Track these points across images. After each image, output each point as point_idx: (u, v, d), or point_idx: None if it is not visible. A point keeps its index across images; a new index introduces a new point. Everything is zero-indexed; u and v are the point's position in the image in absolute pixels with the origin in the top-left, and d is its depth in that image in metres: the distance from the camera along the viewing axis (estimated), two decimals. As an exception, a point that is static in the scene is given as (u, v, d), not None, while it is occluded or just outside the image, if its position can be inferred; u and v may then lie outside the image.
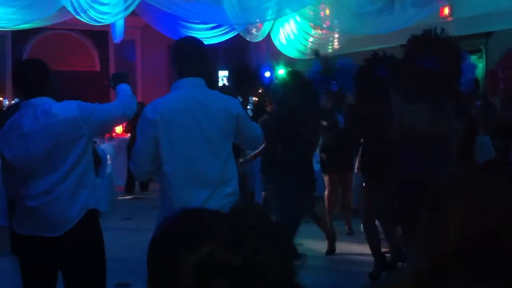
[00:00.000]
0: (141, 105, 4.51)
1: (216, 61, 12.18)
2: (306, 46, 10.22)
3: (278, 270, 0.99)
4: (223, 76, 11.86)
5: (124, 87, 3.28)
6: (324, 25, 8.50)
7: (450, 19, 8.43)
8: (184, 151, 2.80)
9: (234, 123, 2.92)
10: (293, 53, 10.83)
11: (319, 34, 9.62)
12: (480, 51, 8.42)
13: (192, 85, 2.89)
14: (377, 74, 4.27)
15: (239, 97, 9.01)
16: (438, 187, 1.19)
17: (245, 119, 3.02)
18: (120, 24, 9.51)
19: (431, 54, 3.35)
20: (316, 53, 6.39)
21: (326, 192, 6.28)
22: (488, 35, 8.24)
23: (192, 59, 2.90)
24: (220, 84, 10.18)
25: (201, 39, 3.13)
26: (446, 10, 8.51)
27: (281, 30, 10.51)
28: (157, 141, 2.78)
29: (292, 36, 10.35)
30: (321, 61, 6.21)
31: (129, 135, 9.58)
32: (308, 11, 8.00)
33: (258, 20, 8.65)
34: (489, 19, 7.92)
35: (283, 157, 4.93)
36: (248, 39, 10.18)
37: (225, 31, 9.95)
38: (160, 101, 2.92)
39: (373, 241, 4.94)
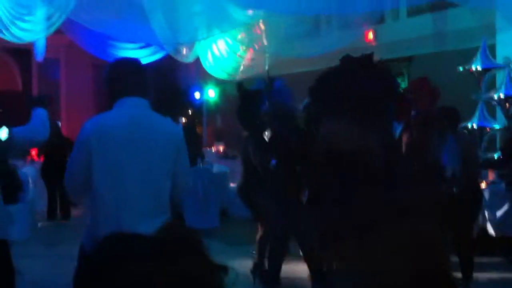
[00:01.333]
0: (68, 140, 4.37)
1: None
2: (235, 68, 10.28)
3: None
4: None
5: (39, 112, 3.16)
6: (256, 47, 8.58)
7: (374, 43, 8.75)
8: (116, 174, 2.64)
9: (176, 148, 2.77)
10: (221, 75, 10.85)
11: (250, 55, 9.71)
12: (402, 74, 8.78)
13: (133, 105, 2.75)
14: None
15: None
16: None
17: (185, 148, 2.86)
18: (41, 41, 9.20)
19: (365, 75, 3.38)
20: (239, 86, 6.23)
21: None
22: (410, 59, 8.61)
23: (134, 79, 2.79)
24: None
25: (138, 60, 3.06)
26: (371, 35, 8.83)
27: (208, 51, 10.51)
28: (89, 161, 2.63)
29: (220, 57, 10.37)
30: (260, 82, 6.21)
31: (42, 159, 9.21)
32: (239, 32, 8.07)
33: (187, 40, 8.61)
34: (410, 44, 8.28)
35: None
36: (178, 59, 10.11)
37: (154, 51, 9.84)
38: (97, 119, 2.82)
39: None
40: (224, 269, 1.02)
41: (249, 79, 9.38)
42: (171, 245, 0.99)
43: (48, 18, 8.00)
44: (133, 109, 2.74)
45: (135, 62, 2.96)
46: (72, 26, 8.72)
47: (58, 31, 8.62)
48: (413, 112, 4.48)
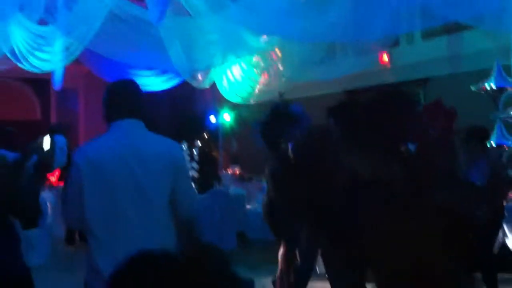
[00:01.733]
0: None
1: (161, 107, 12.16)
2: (249, 92, 10.36)
3: None
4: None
5: (58, 139, 3.20)
6: (271, 71, 8.67)
7: (389, 66, 8.79)
8: (110, 203, 2.51)
9: (173, 171, 2.61)
10: (236, 99, 10.94)
11: (264, 80, 9.79)
12: (418, 96, 8.78)
13: (128, 127, 2.65)
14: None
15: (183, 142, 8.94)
16: None
17: (185, 169, 2.73)
18: (59, 71, 9.36)
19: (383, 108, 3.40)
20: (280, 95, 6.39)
21: None
22: (425, 81, 8.62)
23: (130, 100, 2.71)
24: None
25: (134, 80, 2.97)
26: (385, 58, 8.87)
27: (224, 76, 10.62)
28: (81, 188, 2.52)
29: (235, 81, 10.48)
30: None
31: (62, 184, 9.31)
32: (254, 57, 8.17)
33: (203, 67, 8.72)
34: (425, 67, 8.30)
35: None
36: (194, 85, 10.22)
37: (171, 77, 9.97)
38: (90, 145, 2.75)
39: None
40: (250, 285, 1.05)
41: (264, 104, 9.44)
42: (196, 264, 1.01)
43: (67, 48, 8.15)
44: (126, 132, 2.65)
45: (130, 83, 2.86)
46: (89, 55, 8.87)
47: (75, 61, 8.77)
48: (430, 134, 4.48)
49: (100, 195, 2.52)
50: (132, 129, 2.66)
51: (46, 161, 3.05)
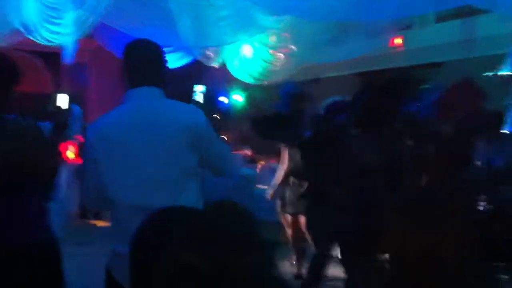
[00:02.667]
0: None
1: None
2: (261, 72, 10.31)
3: (249, 275, 0.98)
4: (200, 91, 11.75)
5: (76, 108, 3.17)
6: (283, 51, 8.61)
7: (402, 49, 8.69)
8: (128, 175, 2.42)
9: (195, 138, 2.46)
10: (247, 79, 10.90)
11: (275, 60, 9.72)
12: (431, 80, 8.68)
13: (143, 96, 2.50)
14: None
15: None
16: None
17: (208, 133, 2.55)
18: (70, 44, 9.34)
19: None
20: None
21: None
22: (438, 65, 8.52)
23: (145, 64, 2.52)
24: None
25: (157, 43, 2.65)
26: (398, 40, 8.77)
27: (235, 56, 10.56)
28: (97, 165, 2.43)
29: (247, 61, 10.42)
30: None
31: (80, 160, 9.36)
32: (267, 36, 8.10)
33: (214, 44, 8.67)
34: (438, 50, 8.20)
35: None
36: (205, 63, 10.18)
37: (182, 55, 9.92)
38: (102, 118, 2.60)
39: None
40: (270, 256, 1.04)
41: (276, 85, 9.39)
42: (223, 221, 1.00)
43: (78, 21, 8.12)
44: (141, 101, 2.49)
45: (146, 44, 2.61)
46: (100, 30, 8.85)
47: (86, 36, 8.74)
48: (458, 115, 4.41)
49: (119, 170, 2.42)
50: (147, 98, 2.49)
51: (64, 122, 3.01)
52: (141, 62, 2.55)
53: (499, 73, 6.82)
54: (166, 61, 2.63)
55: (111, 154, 2.44)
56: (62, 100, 6.69)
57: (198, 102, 7.52)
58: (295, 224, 6.20)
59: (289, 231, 6.37)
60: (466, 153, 3.90)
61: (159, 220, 1.12)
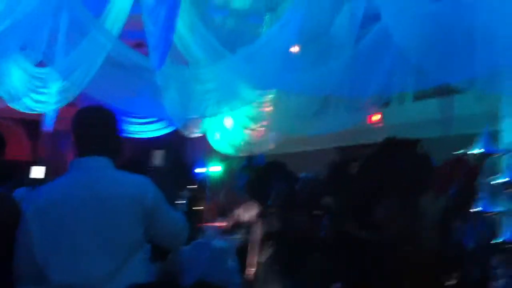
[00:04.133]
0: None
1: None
2: (241, 144, 10.42)
3: None
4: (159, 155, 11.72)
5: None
6: (264, 123, 8.77)
7: (380, 125, 8.93)
8: (65, 253, 2.27)
9: (140, 213, 2.36)
10: (227, 150, 10.99)
11: (256, 132, 9.87)
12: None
13: (88, 167, 2.38)
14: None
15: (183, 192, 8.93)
16: None
17: (159, 207, 2.45)
18: (51, 112, 9.37)
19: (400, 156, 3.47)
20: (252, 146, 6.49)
21: None
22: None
23: (93, 132, 2.40)
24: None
25: (110, 110, 2.56)
26: (376, 117, 9.03)
27: (216, 127, 10.69)
28: (30, 238, 2.27)
29: (228, 132, 10.55)
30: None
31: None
32: (249, 109, 8.27)
33: (197, 116, 8.80)
34: (415, 128, 8.44)
35: None
36: (186, 134, 10.28)
37: (163, 125, 10.02)
38: (42, 189, 2.46)
39: None
40: None
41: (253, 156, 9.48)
42: None
43: (63, 91, 8.20)
44: (84, 172, 2.36)
45: (97, 110, 2.48)
46: (83, 98, 8.91)
47: (69, 103, 8.79)
48: (452, 190, 4.52)
49: (54, 245, 2.27)
50: (92, 169, 2.38)
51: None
52: (89, 129, 2.45)
53: (470, 152, 7.04)
54: (119, 129, 2.53)
55: (45, 228, 2.28)
56: (38, 171, 6.59)
57: (158, 167, 7.51)
58: None
59: None
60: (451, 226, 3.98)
61: None
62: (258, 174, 5.50)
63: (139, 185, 2.44)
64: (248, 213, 5.91)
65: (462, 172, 4.20)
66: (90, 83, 7.55)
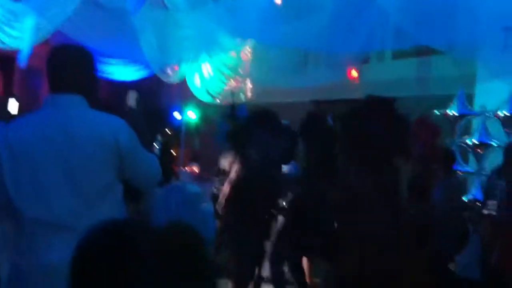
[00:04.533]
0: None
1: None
2: (220, 92, 10.37)
3: None
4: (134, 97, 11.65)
5: None
6: (242, 72, 8.71)
7: (357, 81, 8.94)
8: (36, 189, 2.23)
9: (113, 153, 2.31)
10: (206, 98, 10.93)
11: (234, 81, 9.83)
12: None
13: (60, 104, 2.31)
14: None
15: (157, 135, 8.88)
16: None
17: (133, 148, 2.40)
18: (26, 48, 9.14)
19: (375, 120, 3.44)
20: (232, 95, 6.45)
21: None
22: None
23: (68, 70, 2.33)
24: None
25: (86, 48, 2.47)
26: (354, 73, 9.03)
27: (196, 73, 10.59)
28: (2, 173, 2.22)
29: (207, 80, 10.47)
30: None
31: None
32: (227, 57, 8.19)
33: (174, 61, 8.68)
34: (393, 86, 8.49)
35: None
36: (163, 79, 10.16)
37: (140, 68, 9.87)
38: (12, 125, 2.39)
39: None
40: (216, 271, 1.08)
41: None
42: (168, 237, 1.02)
43: (37, 28, 7.97)
44: (60, 109, 2.31)
45: (73, 49, 2.43)
46: (59, 37, 8.70)
47: (44, 41, 8.58)
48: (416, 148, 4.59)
49: (25, 181, 2.24)
50: (67, 106, 2.32)
51: None
52: (62, 67, 2.37)
53: (447, 112, 7.15)
54: (95, 68, 2.45)
55: (17, 163, 2.24)
56: (13, 106, 6.43)
57: (132, 109, 7.44)
58: None
59: None
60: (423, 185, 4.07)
61: (107, 235, 1.09)
62: (241, 124, 5.43)
63: (112, 125, 2.37)
64: (227, 162, 5.87)
65: (425, 134, 4.24)
66: (67, 22, 7.36)
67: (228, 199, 4.94)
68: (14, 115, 8.84)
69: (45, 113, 2.35)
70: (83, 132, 2.28)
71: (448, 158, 5.73)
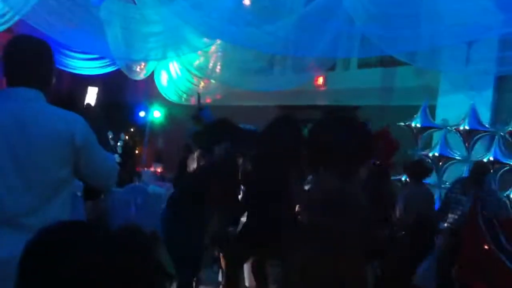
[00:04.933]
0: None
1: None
2: (186, 92, 10.30)
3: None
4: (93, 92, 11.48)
5: None
6: (207, 74, 8.66)
7: (323, 88, 9.00)
8: None
9: (68, 148, 2.25)
10: (172, 97, 10.84)
11: (202, 83, 9.77)
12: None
13: (15, 97, 2.26)
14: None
15: (109, 132, 8.73)
16: None
17: (89, 145, 2.34)
18: (-11, 36, 8.91)
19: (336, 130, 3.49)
20: (198, 96, 6.36)
21: None
22: (355, 108, 8.89)
23: (25, 63, 2.28)
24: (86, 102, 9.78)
25: (44, 40, 2.43)
26: (321, 80, 9.08)
27: (163, 72, 10.49)
28: None
29: (174, 79, 10.39)
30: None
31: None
32: (194, 57, 8.13)
33: (140, 58, 8.57)
34: (357, 94, 8.57)
35: None
36: (129, 76, 10.02)
37: (106, 64, 9.71)
38: None
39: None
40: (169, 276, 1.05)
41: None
42: (122, 241, 0.99)
43: (1, 16, 7.78)
44: (11, 102, 2.26)
45: (31, 41, 2.39)
46: (23, 27, 8.50)
47: (7, 30, 8.37)
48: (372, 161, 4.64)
49: None
50: (23, 98, 2.26)
51: None
52: (19, 59, 2.31)
53: (411, 124, 7.25)
54: (52, 62, 2.40)
55: None
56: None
57: (89, 105, 7.32)
58: None
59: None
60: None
61: (56, 234, 1.08)
62: (206, 128, 5.47)
63: (68, 121, 2.30)
64: (193, 162, 5.92)
65: (383, 144, 4.29)
66: (31, 11, 7.19)
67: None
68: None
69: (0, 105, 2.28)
70: (37, 125, 2.23)
71: (416, 169, 5.83)
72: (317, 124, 3.54)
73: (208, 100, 9.68)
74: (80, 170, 2.33)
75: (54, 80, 2.39)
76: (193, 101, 9.81)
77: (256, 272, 5.00)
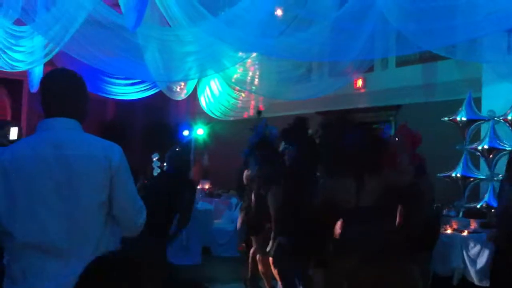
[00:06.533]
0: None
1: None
2: (228, 107, 10.39)
3: None
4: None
5: None
6: (247, 88, 8.71)
7: (363, 90, 8.92)
8: (28, 211, 2.22)
9: (106, 176, 2.30)
10: (215, 113, 10.96)
11: (242, 96, 9.83)
12: (390, 122, 8.92)
13: (55, 127, 2.33)
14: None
15: (155, 154, 8.92)
16: None
17: (122, 173, 2.37)
18: (37, 72, 9.23)
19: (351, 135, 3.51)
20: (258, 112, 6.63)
21: None
22: (397, 107, 8.76)
23: (60, 95, 2.37)
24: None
25: (77, 73, 2.53)
26: (360, 83, 9.01)
27: (207, 88, 10.63)
28: None
29: (217, 95, 10.50)
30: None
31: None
32: (233, 73, 8.20)
33: (180, 79, 8.69)
34: (398, 93, 8.45)
35: None
36: (170, 96, 10.19)
37: (147, 87, 9.91)
38: (10, 147, 2.43)
39: None
40: None
41: (240, 120, 9.46)
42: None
43: (42, 50, 8.04)
44: (53, 132, 2.34)
45: (64, 74, 2.49)
46: (65, 59, 8.76)
47: (50, 64, 8.64)
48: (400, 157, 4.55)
49: (17, 204, 2.24)
50: (61, 128, 2.35)
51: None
52: (56, 92, 2.41)
53: (456, 118, 7.07)
54: (87, 93, 2.50)
55: (10, 186, 2.25)
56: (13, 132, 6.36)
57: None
58: (265, 260, 6.19)
59: (260, 268, 6.36)
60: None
61: (106, 265, 1.11)
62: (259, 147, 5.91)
63: (105, 146, 2.39)
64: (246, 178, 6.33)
65: (408, 143, 4.17)
66: (70, 42, 7.40)
67: None
68: (14, 140, 8.90)
69: (38, 135, 2.38)
70: (76, 152, 2.31)
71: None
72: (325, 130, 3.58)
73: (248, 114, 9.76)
74: (111, 197, 2.34)
75: (87, 110, 2.48)
76: (245, 114, 9.93)
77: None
